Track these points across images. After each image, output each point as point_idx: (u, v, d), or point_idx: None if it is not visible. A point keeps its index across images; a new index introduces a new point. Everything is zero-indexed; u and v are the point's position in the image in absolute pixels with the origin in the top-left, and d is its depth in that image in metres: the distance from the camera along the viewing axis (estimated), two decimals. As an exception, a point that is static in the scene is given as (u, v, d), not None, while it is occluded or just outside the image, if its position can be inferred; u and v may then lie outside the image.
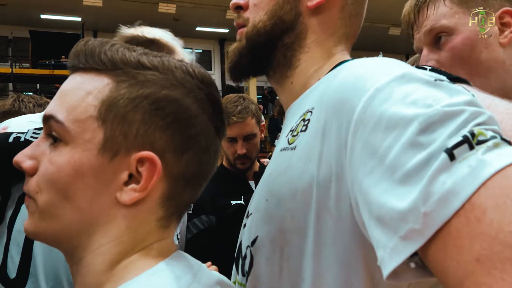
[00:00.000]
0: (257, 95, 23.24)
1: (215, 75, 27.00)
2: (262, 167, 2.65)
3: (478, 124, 0.63)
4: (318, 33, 1.02)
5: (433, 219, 0.59)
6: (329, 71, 0.97)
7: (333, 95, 0.80)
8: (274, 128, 19.72)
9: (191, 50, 1.70)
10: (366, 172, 0.68)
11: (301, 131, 0.89)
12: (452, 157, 0.60)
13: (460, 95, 0.68)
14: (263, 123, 2.60)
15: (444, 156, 0.60)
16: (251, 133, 2.46)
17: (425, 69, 0.89)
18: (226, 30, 24.73)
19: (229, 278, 1.21)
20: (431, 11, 1.20)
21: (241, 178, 2.54)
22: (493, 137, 0.61)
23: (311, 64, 1.02)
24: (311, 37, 1.02)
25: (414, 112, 0.65)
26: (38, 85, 22.54)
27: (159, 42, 1.57)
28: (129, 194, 0.74)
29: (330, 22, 1.03)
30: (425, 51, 1.24)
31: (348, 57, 1.04)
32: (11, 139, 1.31)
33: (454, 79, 0.88)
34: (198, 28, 24.23)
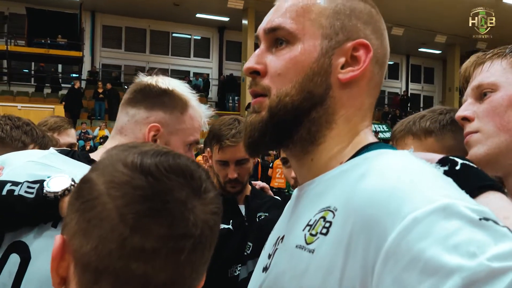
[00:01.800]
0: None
1: (212, 63, 26.91)
2: (254, 191, 2.57)
3: None
4: (347, 107, 0.95)
5: None
6: (352, 156, 0.92)
7: (362, 208, 0.75)
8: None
9: (208, 106, 1.71)
10: None
11: (321, 233, 0.82)
12: None
13: (506, 240, 0.65)
14: None
15: None
16: (243, 158, 2.35)
17: (456, 163, 0.91)
18: (226, 19, 24.70)
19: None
20: (486, 68, 1.22)
21: (231, 202, 2.43)
22: None
23: (335, 142, 0.95)
24: (339, 112, 0.94)
25: (457, 262, 0.62)
26: (33, 64, 22.36)
27: (173, 93, 1.54)
28: None
29: (359, 96, 0.96)
30: (467, 102, 1.25)
31: (372, 137, 0.97)
32: (4, 192, 1.27)
33: (487, 187, 0.88)
34: (198, 15, 24.18)
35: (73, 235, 0.73)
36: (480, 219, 0.67)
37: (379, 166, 0.82)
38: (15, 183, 1.28)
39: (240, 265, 2.28)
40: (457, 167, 0.91)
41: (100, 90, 19.67)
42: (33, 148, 2.19)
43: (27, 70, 23.06)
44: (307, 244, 0.84)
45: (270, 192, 2.79)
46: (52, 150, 1.51)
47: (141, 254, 0.69)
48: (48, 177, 1.29)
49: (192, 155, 1.67)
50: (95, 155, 1.50)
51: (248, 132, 0.98)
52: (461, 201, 0.70)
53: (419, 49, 29.36)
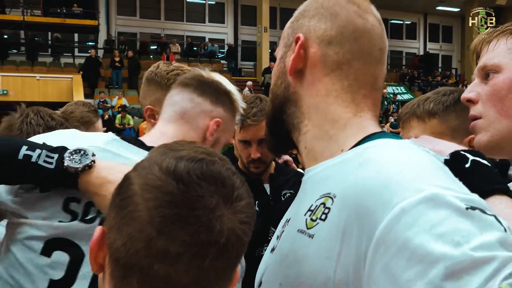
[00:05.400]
0: (269, 49, 22.90)
1: (228, 29, 26.64)
2: (278, 167, 2.54)
3: (509, 275, 0.62)
4: (310, 97, 1.01)
5: None
6: (356, 144, 0.94)
7: (357, 196, 0.79)
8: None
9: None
10: None
11: (320, 218, 0.87)
12: None
13: (492, 230, 0.67)
14: None
15: None
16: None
17: (467, 160, 0.94)
18: (241, -17, 24.30)
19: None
20: (492, 48, 1.21)
21: (255, 182, 2.40)
22: None
23: (320, 132, 1.00)
24: (305, 102, 1.01)
25: (441, 250, 0.65)
26: (49, 33, 22.39)
27: (233, 96, 1.63)
28: None
29: (316, 83, 1.00)
30: (473, 82, 1.26)
31: (373, 126, 0.99)
32: (20, 156, 1.23)
33: (494, 190, 0.90)
34: (212, -20, 23.76)
35: (110, 229, 0.77)
36: (467, 208, 0.69)
37: (377, 156, 0.84)
38: (31, 147, 1.26)
39: (266, 244, 2.23)
40: (467, 165, 0.94)
41: (117, 59, 19.67)
42: None
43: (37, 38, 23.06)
44: (308, 229, 0.89)
45: (294, 166, 2.77)
46: (113, 135, 1.51)
47: (165, 256, 0.72)
48: (66, 149, 1.28)
49: None
50: (146, 139, 1.51)
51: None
52: (449, 190, 0.72)
53: (437, 7, 28.73)
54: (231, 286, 0.83)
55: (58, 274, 1.28)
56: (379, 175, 0.79)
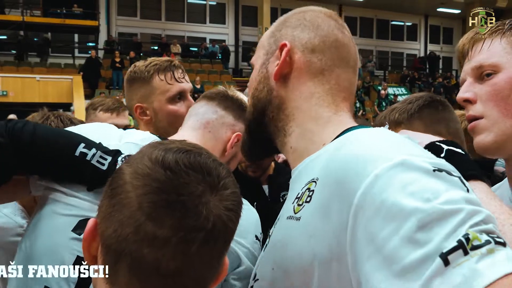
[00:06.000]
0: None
1: (228, 29, 26.61)
2: (277, 167, 2.55)
3: (475, 224, 0.69)
4: (294, 99, 1.08)
5: None
6: (335, 138, 1.00)
7: (336, 173, 0.85)
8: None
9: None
10: (365, 258, 0.73)
11: (306, 201, 0.93)
12: (446, 262, 0.65)
13: (457, 189, 0.75)
14: None
15: (438, 261, 0.65)
16: None
17: (441, 150, 1.02)
18: (241, -17, 24.26)
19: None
20: (486, 47, 1.21)
21: (254, 183, 2.43)
22: (487, 242, 0.66)
23: (304, 130, 1.07)
24: (290, 105, 1.08)
25: (413, 205, 0.71)
26: (49, 34, 22.37)
27: (244, 105, 1.67)
28: None
29: (301, 86, 1.08)
30: (467, 82, 1.24)
31: (351, 122, 1.06)
32: (77, 153, 1.31)
33: (469, 176, 0.94)
34: (212, -20, 23.74)
35: (102, 218, 0.80)
36: (434, 170, 0.76)
37: (351, 139, 0.92)
38: (88, 145, 1.33)
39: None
40: (442, 155, 1.00)
41: (117, 60, 19.62)
42: None
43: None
44: (295, 213, 0.95)
45: None
46: (151, 134, 1.58)
47: (153, 241, 0.74)
48: (120, 153, 1.35)
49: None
50: None
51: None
52: (418, 156, 0.79)
53: (438, 9, 28.74)
54: (221, 275, 0.86)
55: None
56: (353, 151, 0.86)
